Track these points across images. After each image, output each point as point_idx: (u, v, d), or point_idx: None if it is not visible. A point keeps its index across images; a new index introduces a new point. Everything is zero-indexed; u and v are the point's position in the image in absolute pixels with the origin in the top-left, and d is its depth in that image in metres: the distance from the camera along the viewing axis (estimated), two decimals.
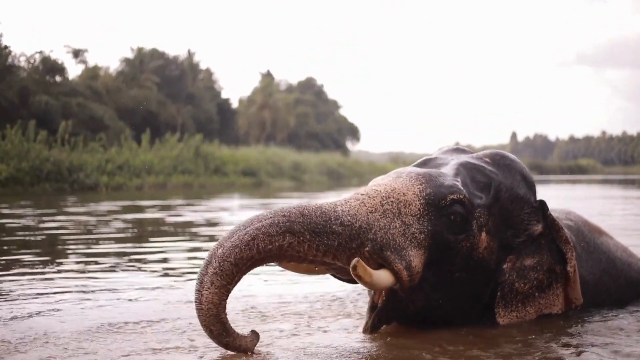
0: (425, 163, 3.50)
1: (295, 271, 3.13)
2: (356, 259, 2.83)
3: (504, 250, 3.26)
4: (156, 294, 4.29)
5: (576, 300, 3.39)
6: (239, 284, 2.79)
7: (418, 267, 3.02)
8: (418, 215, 3.05)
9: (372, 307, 3.28)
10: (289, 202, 16.37)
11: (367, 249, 2.91)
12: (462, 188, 3.16)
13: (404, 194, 3.08)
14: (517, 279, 3.26)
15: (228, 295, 2.73)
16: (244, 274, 2.77)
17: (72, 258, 6.08)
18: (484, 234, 3.17)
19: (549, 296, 3.36)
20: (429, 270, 3.06)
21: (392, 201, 3.04)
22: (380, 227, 2.96)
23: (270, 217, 2.81)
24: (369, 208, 2.99)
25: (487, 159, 3.44)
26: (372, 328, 3.19)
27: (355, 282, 3.04)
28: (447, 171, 3.30)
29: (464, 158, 3.44)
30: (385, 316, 3.18)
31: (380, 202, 3.03)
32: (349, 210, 2.95)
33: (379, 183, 3.18)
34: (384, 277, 2.94)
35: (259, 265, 2.81)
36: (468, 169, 3.32)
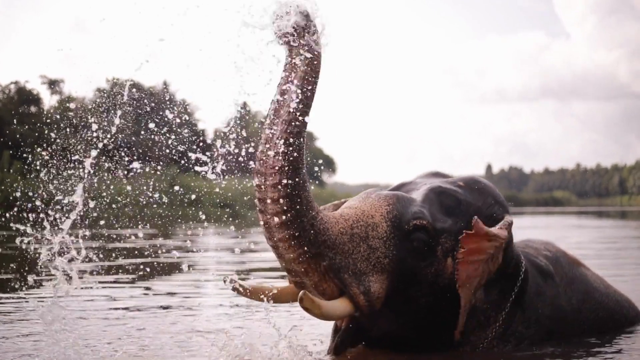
0: (399, 187, 3.49)
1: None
2: (302, 291, 2.79)
3: None
4: None
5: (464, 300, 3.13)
6: None
7: (378, 292, 2.97)
8: (385, 239, 3.03)
9: (335, 330, 3.25)
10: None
11: (324, 263, 2.88)
12: (426, 214, 3.13)
13: (372, 216, 3.06)
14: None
15: None
16: None
17: None
18: (449, 260, 3.12)
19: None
20: (394, 296, 3.02)
21: (361, 225, 3.02)
22: (343, 251, 2.94)
23: None
24: (340, 229, 2.98)
25: (460, 183, 3.41)
26: (335, 350, 3.16)
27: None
28: (416, 196, 3.27)
29: (436, 182, 3.40)
30: (348, 339, 3.15)
31: (351, 225, 3.01)
32: (326, 220, 2.96)
33: (351, 205, 3.17)
34: (336, 306, 2.90)
35: None
36: (437, 193, 3.29)
